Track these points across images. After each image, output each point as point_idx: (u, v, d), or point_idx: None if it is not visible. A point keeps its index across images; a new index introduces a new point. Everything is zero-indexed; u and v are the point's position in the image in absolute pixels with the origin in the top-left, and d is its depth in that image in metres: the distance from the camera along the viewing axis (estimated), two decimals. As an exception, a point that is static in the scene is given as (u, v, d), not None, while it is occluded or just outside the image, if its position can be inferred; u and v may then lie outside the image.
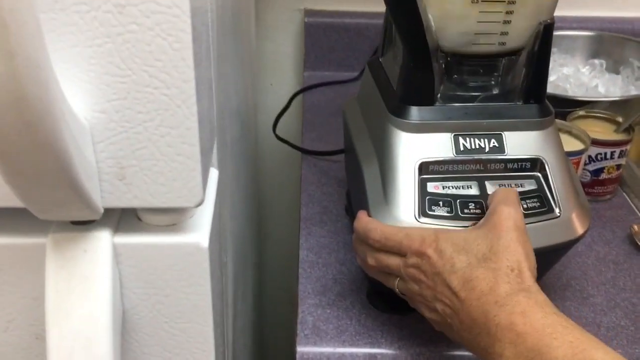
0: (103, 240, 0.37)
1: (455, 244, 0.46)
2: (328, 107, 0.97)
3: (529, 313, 0.41)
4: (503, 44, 0.54)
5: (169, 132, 0.35)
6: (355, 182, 0.62)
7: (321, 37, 1.04)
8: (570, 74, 0.93)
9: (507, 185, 0.55)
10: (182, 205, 0.36)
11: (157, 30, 0.31)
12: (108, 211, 0.37)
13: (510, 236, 0.46)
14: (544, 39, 0.54)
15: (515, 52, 0.55)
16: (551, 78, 0.92)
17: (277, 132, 0.92)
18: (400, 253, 0.49)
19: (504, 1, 0.52)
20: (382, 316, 0.59)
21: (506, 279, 0.43)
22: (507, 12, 0.52)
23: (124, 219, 0.40)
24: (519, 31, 0.54)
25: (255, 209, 1.08)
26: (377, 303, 0.60)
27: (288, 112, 0.97)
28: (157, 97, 0.34)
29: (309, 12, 1.03)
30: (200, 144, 0.35)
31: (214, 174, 0.44)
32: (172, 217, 0.38)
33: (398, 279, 0.50)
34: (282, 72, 1.09)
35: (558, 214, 0.54)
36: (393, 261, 0.50)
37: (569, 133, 0.73)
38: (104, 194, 0.35)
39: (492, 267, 0.44)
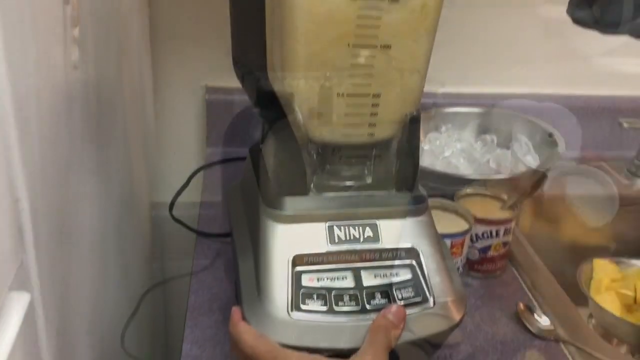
0: None
1: None
2: (229, 184, 0.96)
3: None
4: (372, 134, 0.55)
5: None
6: (235, 272, 0.60)
7: (223, 113, 1.03)
8: (464, 149, 0.96)
9: (382, 276, 0.54)
10: None
11: None
12: None
13: None
14: (411, 130, 0.55)
15: (385, 142, 0.56)
16: (446, 153, 0.95)
17: (179, 210, 0.89)
18: None
19: (369, 95, 0.53)
20: (263, 415, 0.57)
21: None
22: (373, 105, 0.53)
23: None
24: (386, 123, 0.54)
25: (156, 296, 1.03)
26: (258, 401, 0.58)
27: (191, 190, 0.95)
28: None
29: (210, 90, 1.03)
30: None
31: (21, 299, 0.39)
32: None
33: None
34: (185, 149, 1.08)
35: (432, 304, 0.54)
36: None
37: (455, 212, 0.74)
38: None
39: None
